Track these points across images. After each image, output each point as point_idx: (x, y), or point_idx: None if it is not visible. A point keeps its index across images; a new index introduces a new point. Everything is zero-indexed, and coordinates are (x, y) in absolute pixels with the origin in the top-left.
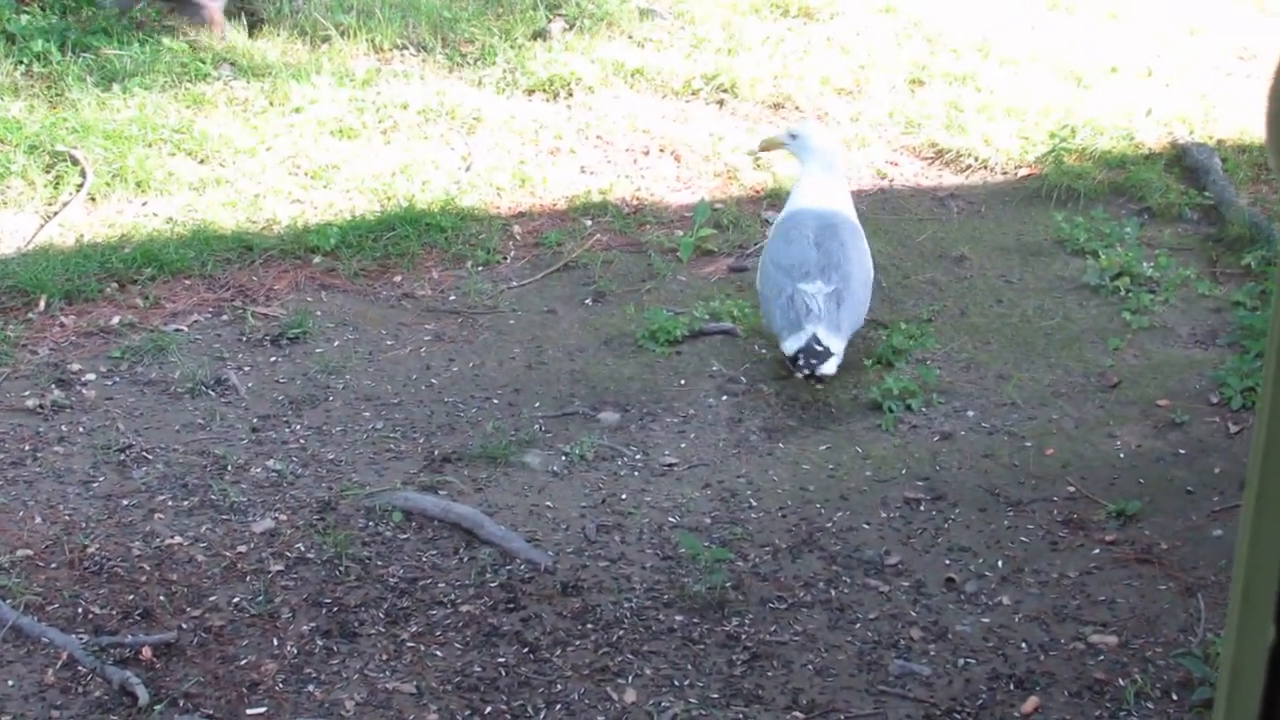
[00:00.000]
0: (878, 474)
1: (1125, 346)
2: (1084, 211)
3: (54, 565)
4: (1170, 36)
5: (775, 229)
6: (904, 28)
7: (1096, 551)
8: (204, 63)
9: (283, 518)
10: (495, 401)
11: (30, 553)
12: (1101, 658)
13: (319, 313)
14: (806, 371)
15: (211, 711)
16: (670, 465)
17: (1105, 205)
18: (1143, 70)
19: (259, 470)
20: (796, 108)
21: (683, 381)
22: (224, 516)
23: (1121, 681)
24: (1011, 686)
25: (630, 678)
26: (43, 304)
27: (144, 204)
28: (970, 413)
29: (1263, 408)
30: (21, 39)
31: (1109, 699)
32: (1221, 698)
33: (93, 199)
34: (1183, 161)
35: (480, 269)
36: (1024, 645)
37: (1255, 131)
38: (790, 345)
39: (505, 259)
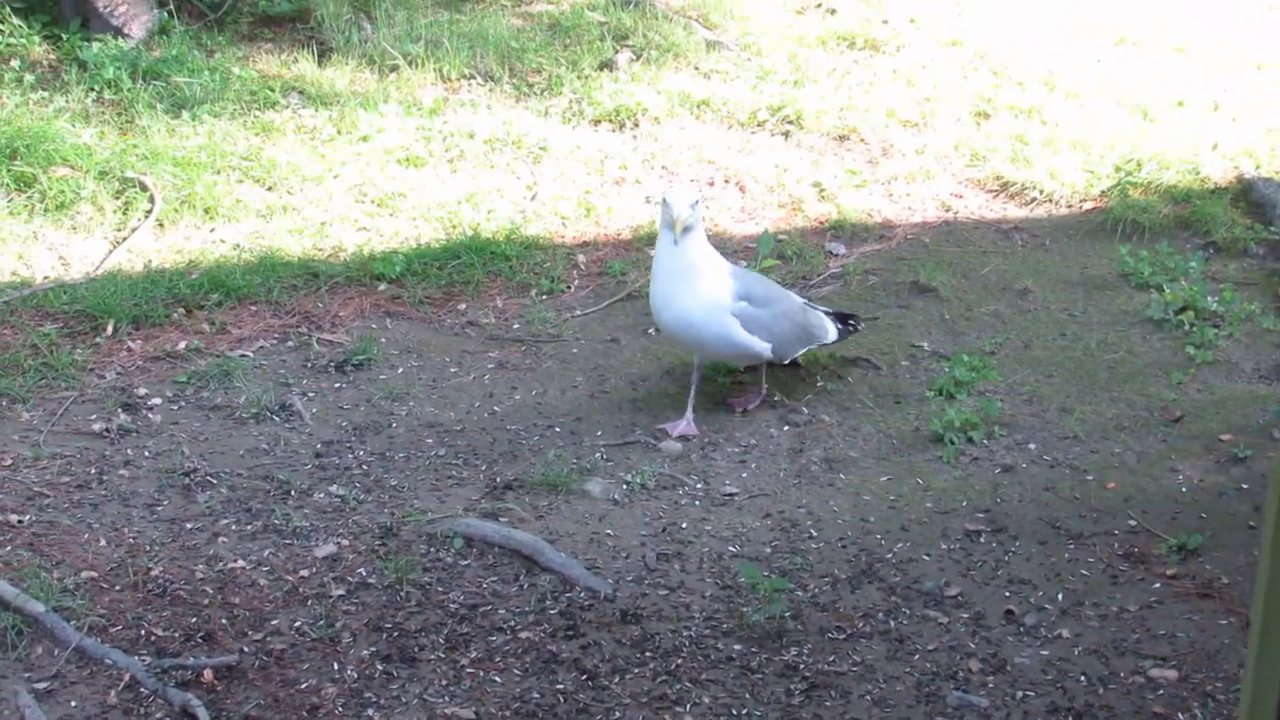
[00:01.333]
0: (938, 505)
1: (1188, 381)
2: (1148, 245)
3: (118, 588)
4: (1237, 71)
5: (736, 279)
6: (970, 60)
7: (1157, 585)
8: (273, 91)
9: (345, 543)
10: (557, 429)
11: (95, 575)
12: (1161, 692)
13: (383, 339)
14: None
15: None
16: (731, 495)
17: (1170, 239)
18: (1209, 104)
19: (322, 495)
20: (862, 139)
21: (744, 411)
22: (286, 541)
23: (1181, 716)
24: (1070, 719)
25: (688, 706)
26: (110, 329)
27: (212, 230)
28: (1032, 445)
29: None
30: (93, 66)
31: None
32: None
33: (161, 225)
34: (1248, 196)
35: (544, 297)
36: (1083, 678)
37: None
38: (832, 332)
39: (569, 288)
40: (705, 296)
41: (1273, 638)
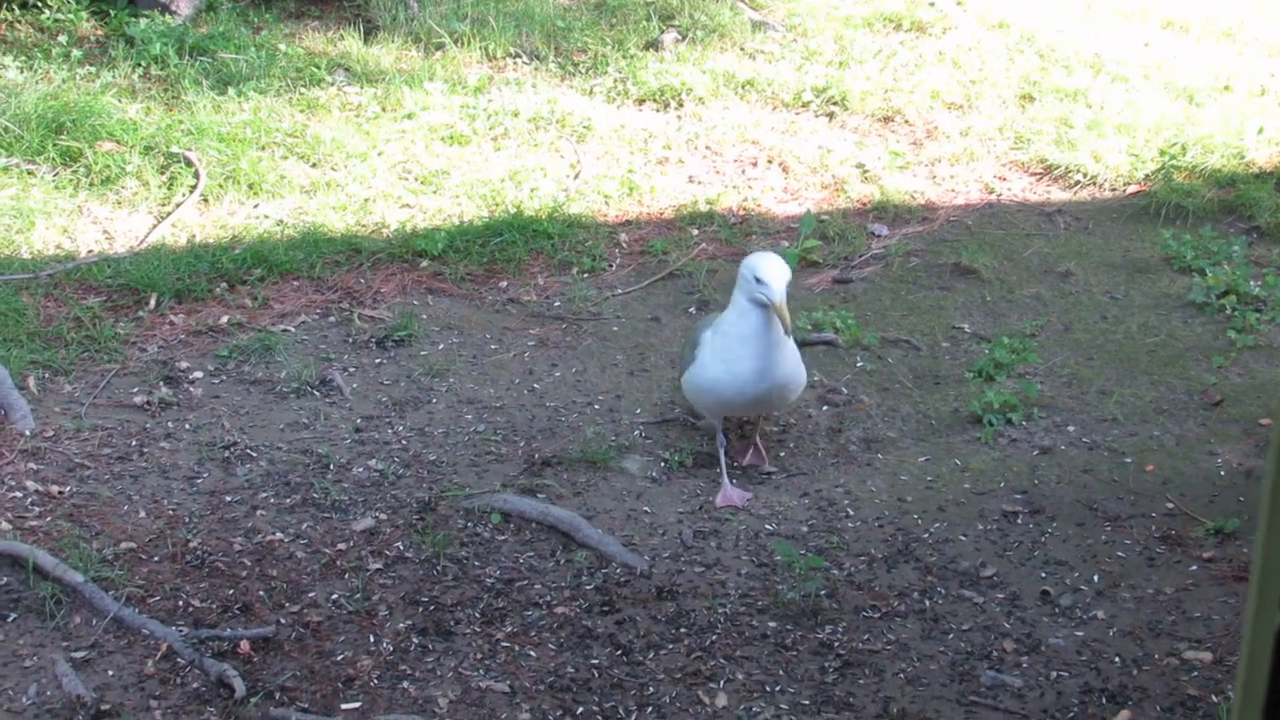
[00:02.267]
0: (976, 486)
1: (1229, 365)
2: (1192, 229)
3: (156, 559)
4: None
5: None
6: (1016, 43)
7: (1194, 568)
8: (318, 68)
9: (383, 517)
10: (596, 407)
11: (134, 546)
12: (1195, 674)
13: (424, 316)
14: None
15: (307, 705)
16: (768, 473)
17: (1214, 223)
18: (1256, 89)
19: (361, 470)
20: (906, 121)
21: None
22: (325, 514)
23: (1215, 698)
24: (1103, 700)
25: (722, 682)
26: (153, 302)
27: (255, 206)
28: (1071, 428)
29: (1278, 416)
30: (140, 42)
31: (1202, 715)
32: (1239, 682)
33: (205, 200)
34: None
35: (586, 276)
36: (1117, 659)
37: None
38: None
39: (611, 266)
40: (795, 354)
41: (1269, 595)
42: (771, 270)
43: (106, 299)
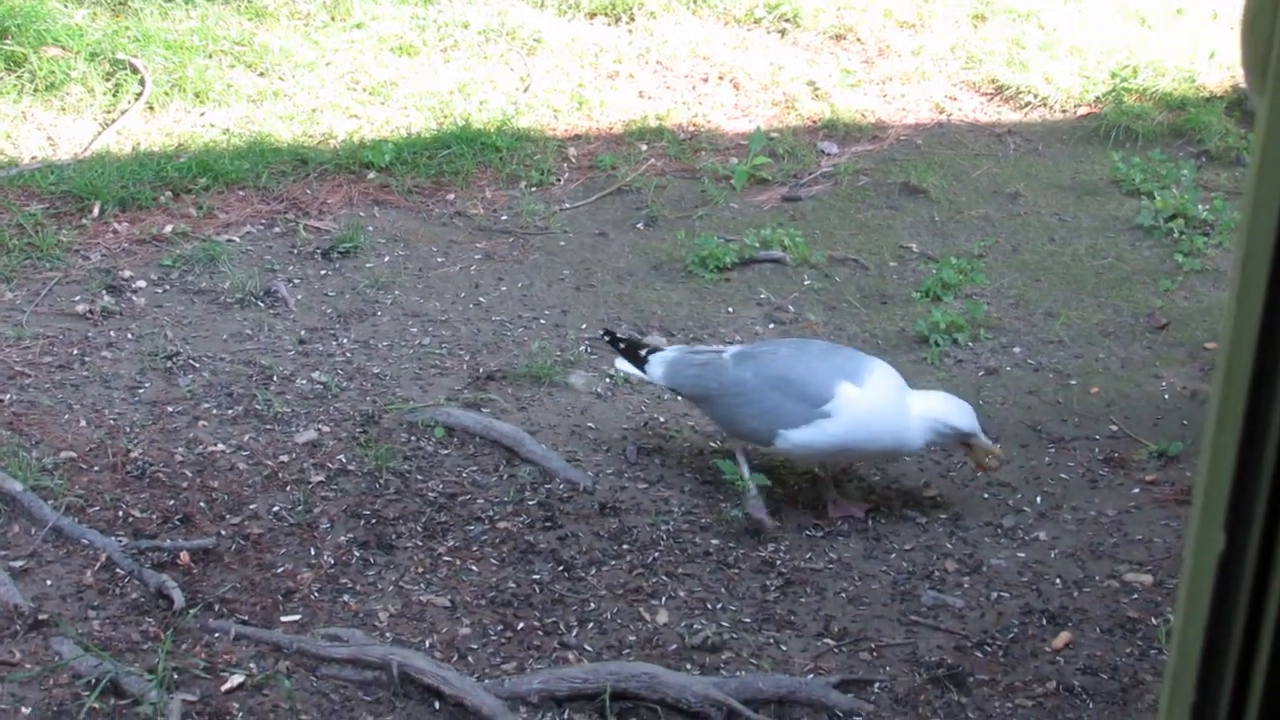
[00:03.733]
0: None
1: (1176, 288)
2: (1141, 152)
3: (96, 468)
4: None
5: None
6: None
7: (1136, 491)
8: None
9: (325, 429)
10: (542, 322)
11: (74, 455)
12: (1135, 596)
13: (371, 228)
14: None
15: (246, 617)
16: None
17: (1163, 147)
18: (1208, 13)
19: (304, 382)
20: (858, 39)
21: (730, 309)
22: (267, 426)
23: (1154, 620)
24: (1044, 621)
25: (664, 599)
26: (97, 210)
27: (202, 114)
28: (1017, 349)
29: (1225, 326)
30: None
31: (1140, 637)
32: (1180, 605)
33: (151, 108)
34: (1243, 105)
35: (533, 190)
36: (1058, 581)
37: None
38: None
39: (559, 181)
40: None
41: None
42: (974, 422)
43: (49, 206)
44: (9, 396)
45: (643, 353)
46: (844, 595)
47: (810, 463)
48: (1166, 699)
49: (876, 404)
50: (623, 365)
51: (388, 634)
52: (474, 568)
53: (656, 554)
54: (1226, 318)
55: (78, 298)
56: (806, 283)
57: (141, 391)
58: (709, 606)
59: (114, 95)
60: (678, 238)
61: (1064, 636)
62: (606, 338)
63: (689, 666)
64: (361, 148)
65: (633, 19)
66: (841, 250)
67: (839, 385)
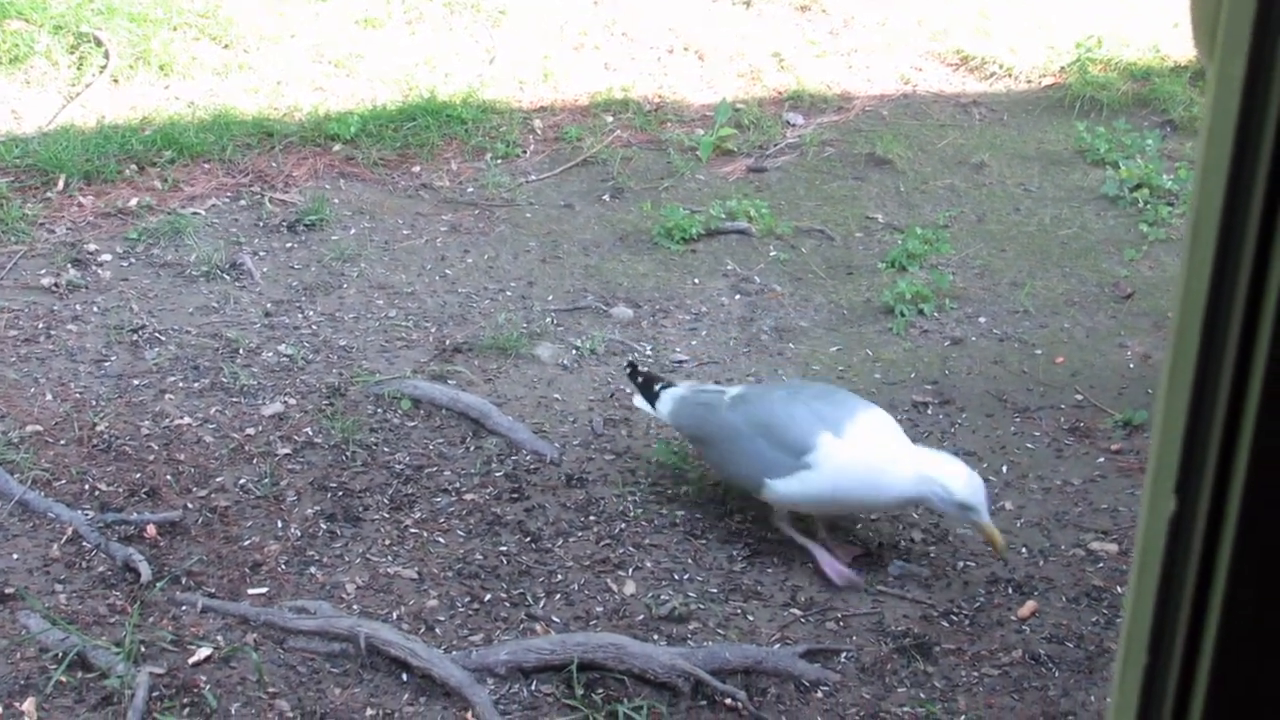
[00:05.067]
0: (887, 376)
1: (1141, 258)
2: (1106, 122)
3: (63, 442)
4: None
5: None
6: None
7: (1101, 460)
8: None
9: (292, 402)
10: (508, 294)
11: (40, 429)
12: (1101, 564)
13: (336, 200)
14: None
15: (213, 590)
16: (680, 362)
17: (1128, 117)
18: None
19: (270, 355)
20: (823, 10)
21: (696, 280)
22: (234, 399)
23: (1119, 589)
24: (1010, 590)
25: (631, 570)
26: (61, 183)
27: (166, 87)
28: (982, 319)
29: (1178, 292)
30: None
31: (1106, 605)
32: (1134, 568)
33: (115, 81)
34: (1208, 75)
35: (499, 162)
36: (1024, 550)
37: None
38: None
39: (525, 152)
40: None
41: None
42: (979, 496)
43: (14, 179)
44: None
45: (656, 388)
46: (809, 566)
47: (808, 512)
48: (1121, 662)
49: (857, 456)
50: (639, 402)
51: (355, 606)
52: (441, 539)
53: (623, 525)
54: (1178, 282)
55: (43, 271)
56: (772, 253)
57: (107, 365)
58: (676, 577)
59: (78, 68)
60: (643, 209)
61: (1030, 605)
62: (628, 370)
63: (656, 637)
64: (327, 120)
65: None
66: (807, 221)
67: (820, 435)
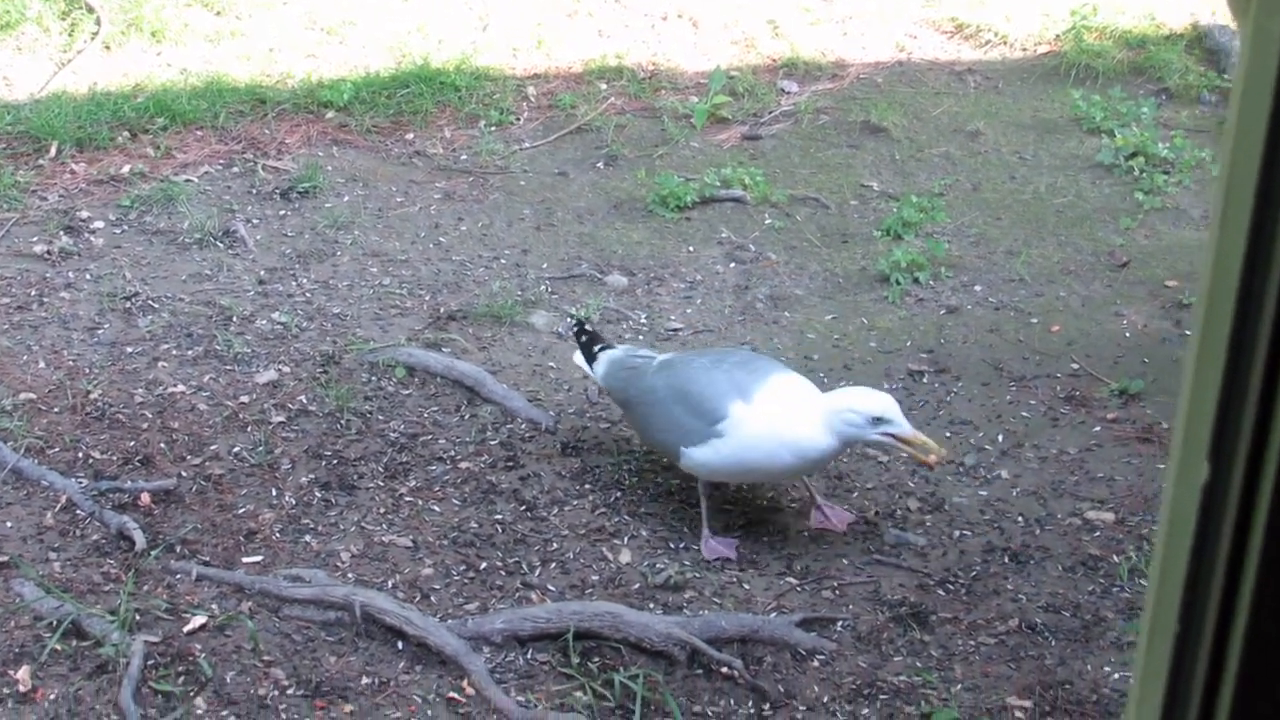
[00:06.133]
0: (882, 345)
1: (1136, 226)
2: (1102, 90)
3: (56, 410)
4: None
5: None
6: None
7: (1097, 429)
8: None
9: (286, 370)
10: (503, 261)
11: (33, 397)
12: (1097, 533)
13: (330, 168)
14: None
15: (208, 558)
16: (675, 330)
17: (1123, 85)
18: None
19: (264, 322)
20: None
21: (691, 247)
22: (227, 367)
23: (1116, 558)
24: (1006, 559)
25: (626, 538)
26: (54, 150)
27: (158, 54)
28: (978, 287)
29: (1209, 249)
30: None
31: (1102, 574)
32: (1162, 535)
33: (107, 47)
34: (1203, 43)
35: (493, 129)
36: (1020, 519)
37: None
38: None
39: (518, 120)
40: None
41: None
42: (889, 405)
43: (6, 146)
44: None
45: (596, 349)
46: (806, 534)
47: (724, 481)
48: (1147, 630)
49: (765, 421)
50: (579, 360)
51: (350, 575)
52: (436, 508)
53: (619, 494)
54: (1210, 241)
55: (35, 239)
56: (767, 221)
57: (100, 332)
58: (672, 546)
59: (70, 35)
60: (638, 177)
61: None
62: (575, 326)
63: (652, 606)
64: (320, 87)
65: None
66: (802, 189)
67: (731, 404)
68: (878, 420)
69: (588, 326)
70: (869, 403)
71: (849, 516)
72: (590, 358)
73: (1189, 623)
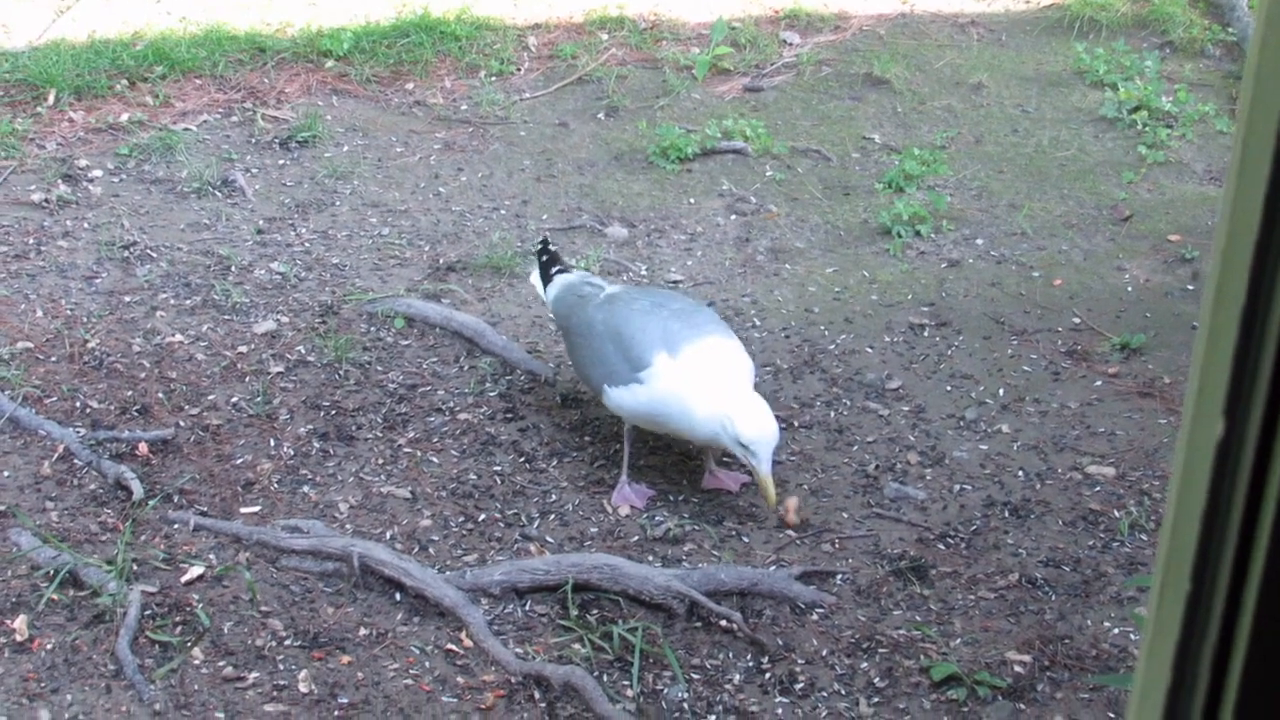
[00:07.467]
0: (883, 298)
1: (1139, 180)
2: (1105, 43)
3: (54, 359)
4: None
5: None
6: None
7: (1099, 383)
8: None
9: (284, 320)
10: (502, 212)
11: (30, 345)
12: (1098, 488)
13: (329, 117)
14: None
15: (206, 509)
16: (676, 282)
17: (1127, 38)
18: None
19: (263, 272)
20: None
21: (692, 199)
22: (226, 317)
23: (1116, 513)
24: (1006, 513)
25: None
26: (52, 98)
27: (157, 2)
28: (979, 241)
29: (1225, 202)
30: None
31: (1103, 529)
32: (1174, 492)
33: None
34: None
35: (493, 79)
36: (1021, 473)
37: None
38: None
39: (519, 70)
40: None
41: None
42: (762, 440)
43: (4, 94)
44: None
45: (553, 271)
46: (806, 488)
47: (644, 428)
48: (1158, 588)
49: (681, 381)
50: (534, 280)
51: (348, 525)
52: (435, 459)
53: (618, 446)
54: (1227, 191)
55: (33, 187)
56: (769, 173)
57: (98, 281)
58: (670, 499)
59: None
60: (639, 128)
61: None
62: (539, 245)
63: (651, 558)
64: (319, 36)
65: None
66: (804, 141)
67: (656, 353)
68: (743, 446)
69: (551, 246)
70: (745, 427)
71: (743, 478)
72: (547, 280)
73: (1201, 581)
